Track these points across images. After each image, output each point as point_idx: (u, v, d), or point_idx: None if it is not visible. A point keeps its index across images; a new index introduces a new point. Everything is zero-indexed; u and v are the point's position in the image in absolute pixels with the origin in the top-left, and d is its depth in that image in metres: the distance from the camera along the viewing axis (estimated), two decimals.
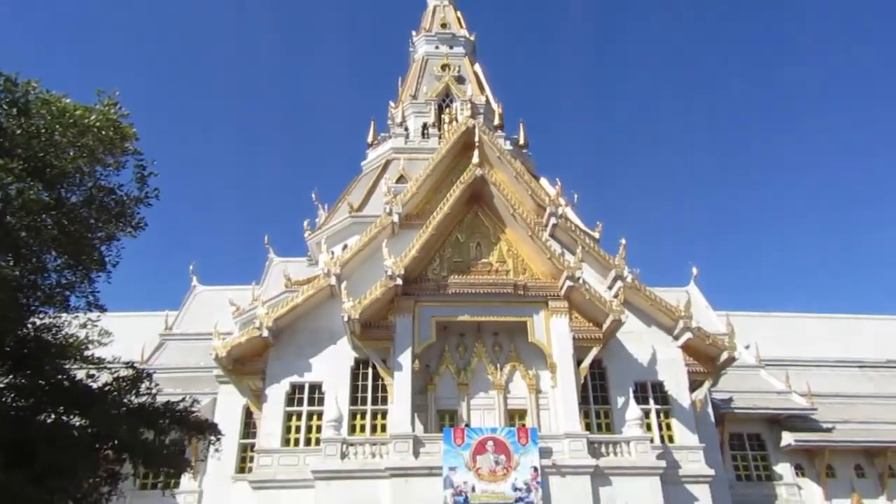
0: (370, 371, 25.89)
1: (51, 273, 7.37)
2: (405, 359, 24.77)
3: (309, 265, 33.83)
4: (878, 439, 28.59)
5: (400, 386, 24.42)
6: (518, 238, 27.31)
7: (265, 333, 24.92)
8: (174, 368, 24.46)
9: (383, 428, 25.06)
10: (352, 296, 24.22)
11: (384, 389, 25.43)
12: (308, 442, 24.59)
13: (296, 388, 25.58)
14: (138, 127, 7.99)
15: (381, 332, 25.35)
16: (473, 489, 22.05)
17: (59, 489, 6.47)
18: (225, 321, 27.33)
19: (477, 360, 26.50)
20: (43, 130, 6.62)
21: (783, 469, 28.76)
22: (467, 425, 24.37)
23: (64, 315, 7.37)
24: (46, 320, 7.23)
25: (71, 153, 6.94)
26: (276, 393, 25.26)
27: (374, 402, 25.66)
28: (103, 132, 7.02)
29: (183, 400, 8.04)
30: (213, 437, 8.31)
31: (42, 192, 6.70)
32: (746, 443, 29.37)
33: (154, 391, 7.81)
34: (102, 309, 7.47)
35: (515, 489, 22.14)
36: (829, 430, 28.84)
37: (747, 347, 32.46)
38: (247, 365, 25.73)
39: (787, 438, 28.27)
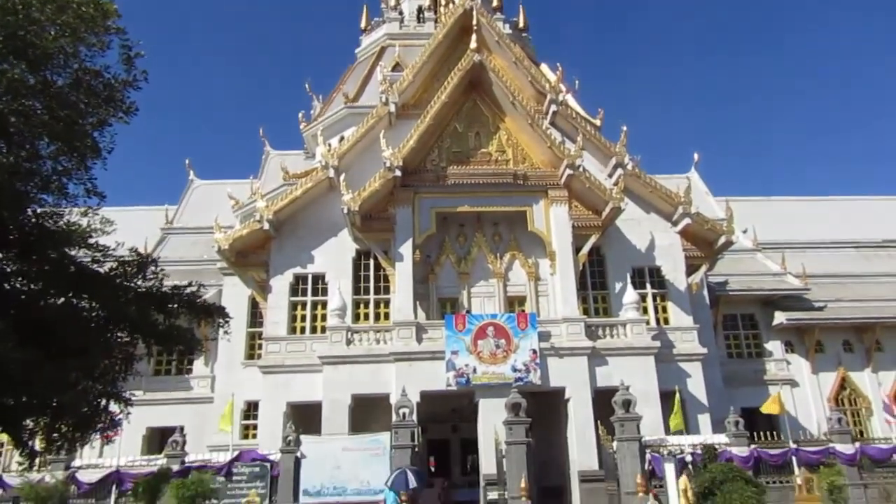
0: (372, 262, 26.30)
1: (45, 160, 7.28)
2: (406, 249, 25.08)
3: (306, 158, 33.46)
4: (868, 316, 29.51)
5: (401, 276, 24.89)
6: (518, 127, 26.83)
7: (266, 226, 25.07)
8: (178, 261, 24.81)
9: (386, 316, 25.80)
10: (351, 188, 24.13)
11: (386, 279, 25.94)
12: (314, 330, 25.40)
13: (299, 280, 26.08)
14: (127, 13, 7.59)
15: (382, 223, 25.51)
16: (475, 371, 23.04)
17: (76, 368, 6.73)
18: (225, 215, 27.40)
19: (477, 249, 26.84)
20: (20, 7, 6.30)
21: (773, 346, 29.90)
22: (468, 312, 25.06)
23: (63, 202, 7.35)
24: (47, 208, 7.22)
25: (52, 32, 6.65)
26: (280, 284, 25.78)
27: (377, 291, 26.25)
28: (83, 8, 6.69)
29: (189, 285, 8.16)
30: (221, 320, 8.52)
31: (27, 74, 6.48)
32: (739, 323, 30.35)
33: (160, 276, 7.93)
34: (101, 196, 7.44)
35: (515, 370, 23.12)
36: (820, 309, 29.72)
37: (745, 232, 32.76)
38: (249, 257, 26.09)
39: (780, 318, 29.19)
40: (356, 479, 19.78)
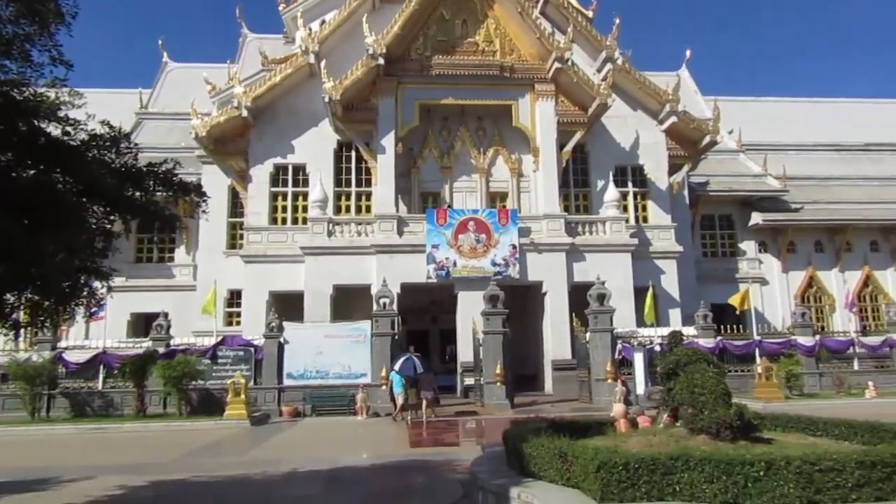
0: (353, 154, 25.92)
1: (5, 23, 6.84)
2: (388, 142, 24.68)
3: (286, 43, 32.02)
4: (840, 217, 30.12)
5: (383, 168, 24.64)
6: (506, 15, 25.72)
7: (244, 113, 24.37)
8: (154, 148, 24.08)
9: (368, 209, 25.77)
10: (332, 75, 23.33)
11: (368, 172, 25.68)
12: (295, 221, 25.37)
13: (279, 170, 25.72)
14: None
15: (364, 114, 24.90)
16: (455, 264, 23.40)
17: (54, 241, 6.68)
18: (201, 100, 26.45)
19: (460, 143, 26.50)
20: None
21: (747, 246, 30.63)
22: (450, 206, 25.09)
23: (29, 71, 6.98)
24: (11, 76, 6.87)
25: None
26: (261, 174, 25.44)
27: (359, 184, 26.06)
28: None
29: (165, 162, 7.98)
30: (198, 199, 8.40)
31: None
32: (717, 223, 30.87)
33: (135, 152, 7.72)
34: (69, 65, 7.03)
35: (494, 264, 23.53)
36: (796, 211, 30.23)
37: (731, 132, 32.59)
38: (228, 145, 25.54)
39: (756, 218, 29.71)
40: (338, 364, 20.51)
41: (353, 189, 26.00)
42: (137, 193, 7.50)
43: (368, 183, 25.73)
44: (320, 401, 19.91)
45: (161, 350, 20.05)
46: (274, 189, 25.59)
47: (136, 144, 7.84)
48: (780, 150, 33.81)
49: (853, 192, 31.96)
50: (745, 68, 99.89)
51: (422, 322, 27.96)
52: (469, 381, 22.36)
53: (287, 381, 20.33)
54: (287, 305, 23.12)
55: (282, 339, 20.57)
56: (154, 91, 34.94)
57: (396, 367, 19.03)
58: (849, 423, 8.61)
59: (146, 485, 10.10)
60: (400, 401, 18.43)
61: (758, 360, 21.45)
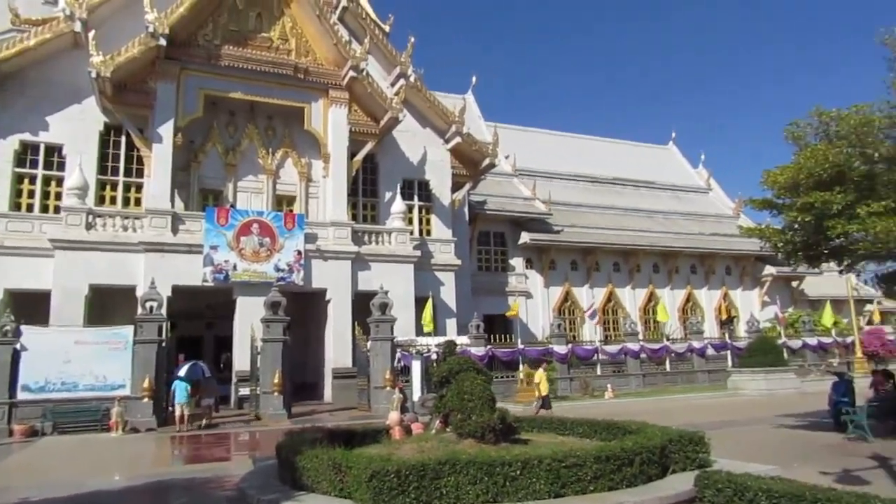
0: (123, 139, 23.40)
1: None
2: (166, 130, 22.66)
3: (45, 2, 27.84)
4: (591, 241, 34.43)
5: (159, 159, 22.56)
6: (304, 16, 25.23)
7: None
8: None
9: (138, 202, 23.42)
10: (102, 49, 20.81)
11: (140, 161, 23.34)
12: (45, 209, 22.11)
13: (28, 148, 22.25)
14: None
15: (139, 97, 22.61)
16: (235, 267, 22.22)
17: None
18: None
19: (248, 141, 25.32)
20: None
21: (517, 262, 33.54)
22: (233, 206, 23.81)
23: None
24: None
25: None
26: (2, 150, 21.77)
27: (128, 173, 23.57)
28: None
29: None
30: None
31: None
32: (492, 239, 33.38)
33: None
34: None
35: (278, 269, 22.79)
36: (558, 232, 33.86)
37: (507, 157, 35.55)
38: None
39: (525, 237, 32.71)
40: (90, 374, 18.13)
41: (122, 179, 23.43)
42: None
43: (141, 174, 23.38)
44: (65, 417, 17.43)
45: None
46: (19, 170, 22.04)
47: None
48: (547, 178, 37.73)
49: (602, 219, 36.79)
50: (523, 99, 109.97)
51: (195, 328, 26.07)
52: (245, 390, 21.28)
53: (22, 395, 17.45)
54: (29, 305, 19.96)
55: (18, 346, 17.67)
56: None
57: (181, 373, 17.63)
58: (590, 423, 9.81)
59: None
60: (187, 411, 17.39)
61: (520, 366, 23.54)
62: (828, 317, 32.51)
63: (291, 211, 24.83)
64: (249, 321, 21.22)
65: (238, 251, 22.34)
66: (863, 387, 15.44)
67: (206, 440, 15.98)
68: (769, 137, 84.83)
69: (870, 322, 34.80)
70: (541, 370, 18.53)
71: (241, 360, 21.79)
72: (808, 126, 12.42)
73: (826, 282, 38.95)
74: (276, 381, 19.36)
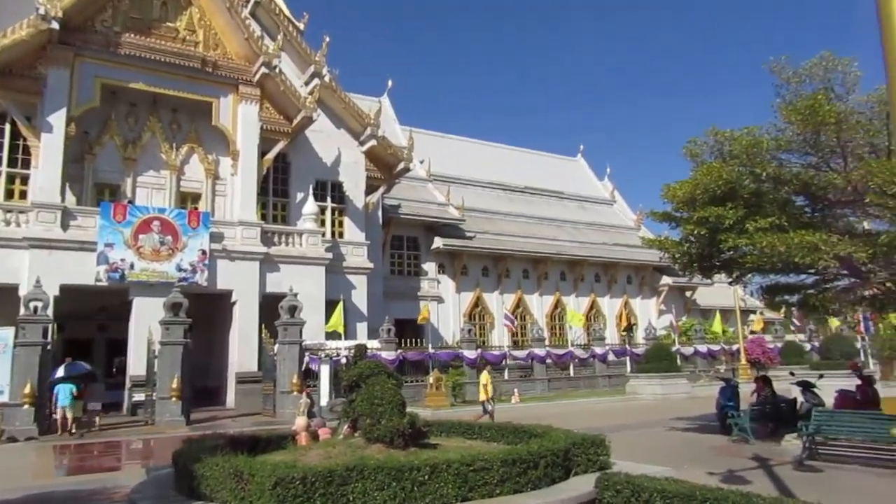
0: (8, 127, 21.63)
1: None
2: (58, 120, 21.15)
3: None
4: (502, 248, 35.10)
5: (49, 149, 21.00)
6: (213, 8, 24.30)
7: None
8: None
9: (23, 195, 21.70)
10: None
11: (27, 151, 21.64)
12: None
13: None
14: None
15: (26, 82, 21.03)
16: (132, 266, 21.00)
17: None
18: None
19: (150, 135, 24.04)
20: None
21: (429, 267, 33.63)
22: (131, 202, 22.50)
23: None
24: None
25: None
26: None
27: (12, 164, 21.79)
28: None
29: None
30: None
31: None
32: (405, 244, 33.29)
33: None
34: None
35: (180, 269, 21.75)
36: (470, 238, 34.27)
37: (422, 162, 35.64)
38: None
39: (438, 242, 32.85)
40: None
41: (5, 169, 21.64)
42: None
43: (27, 164, 21.67)
44: None
45: None
46: None
47: None
48: (461, 184, 38.14)
49: (512, 227, 37.60)
50: (439, 105, 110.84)
51: (86, 330, 24.46)
52: (139, 396, 20.10)
53: None
54: None
55: None
56: None
57: (60, 373, 16.79)
58: (497, 427, 9.94)
59: None
60: (69, 415, 16.54)
61: (430, 371, 23.62)
62: (718, 325, 34.73)
63: (196, 209, 23.77)
64: (147, 323, 20.09)
65: (136, 249, 21.14)
66: (746, 392, 16.49)
67: (95, 449, 14.96)
68: (671, 151, 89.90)
69: (753, 331, 37.44)
70: (485, 372, 18.63)
71: (136, 365, 20.60)
72: (704, 144, 13.18)
73: (716, 292, 41.56)
74: (174, 385, 18.42)
